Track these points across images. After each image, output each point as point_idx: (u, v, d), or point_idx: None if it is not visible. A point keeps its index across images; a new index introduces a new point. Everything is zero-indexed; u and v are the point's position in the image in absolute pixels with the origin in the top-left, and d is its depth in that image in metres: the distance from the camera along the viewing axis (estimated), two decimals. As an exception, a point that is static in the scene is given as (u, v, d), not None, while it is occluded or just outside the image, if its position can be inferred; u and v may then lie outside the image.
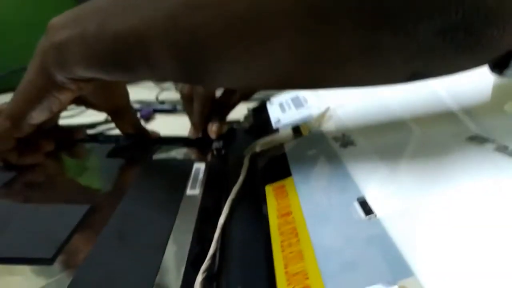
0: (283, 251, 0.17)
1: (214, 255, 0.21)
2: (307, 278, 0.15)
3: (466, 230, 0.14)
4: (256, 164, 0.28)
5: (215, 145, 0.38)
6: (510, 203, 0.15)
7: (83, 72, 0.24)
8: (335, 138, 0.26)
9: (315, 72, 0.19)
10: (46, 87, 0.26)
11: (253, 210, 0.23)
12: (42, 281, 0.21)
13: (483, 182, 0.16)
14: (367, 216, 0.17)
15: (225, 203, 0.27)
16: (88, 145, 0.39)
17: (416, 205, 0.17)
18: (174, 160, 0.36)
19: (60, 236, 0.24)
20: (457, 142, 0.20)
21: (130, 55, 0.21)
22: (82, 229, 0.25)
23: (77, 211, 0.27)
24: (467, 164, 0.18)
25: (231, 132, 0.39)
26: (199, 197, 0.29)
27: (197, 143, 0.38)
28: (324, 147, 0.25)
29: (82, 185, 0.32)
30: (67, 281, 0.20)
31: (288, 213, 0.20)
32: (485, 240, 0.14)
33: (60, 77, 0.25)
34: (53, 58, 0.24)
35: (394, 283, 0.13)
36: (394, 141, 0.23)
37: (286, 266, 0.16)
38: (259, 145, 0.29)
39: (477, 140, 0.19)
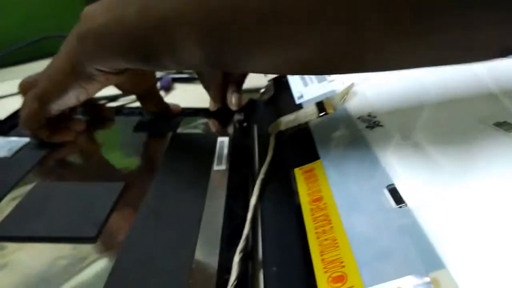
0: (318, 238, 0.18)
1: (248, 235, 0.22)
2: (343, 266, 0.16)
3: (500, 223, 0.15)
4: (281, 143, 0.28)
5: (237, 117, 0.38)
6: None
7: (117, 62, 0.24)
8: (361, 119, 0.26)
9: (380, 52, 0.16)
10: (75, 77, 0.26)
11: (283, 193, 0.24)
12: (85, 260, 0.23)
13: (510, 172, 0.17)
14: (398, 205, 0.18)
15: (252, 180, 0.28)
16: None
17: (447, 196, 0.17)
18: (198, 134, 0.37)
19: (101, 214, 0.26)
20: (484, 128, 0.20)
21: (167, 40, 0.20)
22: (119, 207, 0.27)
23: (114, 189, 0.28)
24: (496, 152, 0.18)
25: (252, 104, 0.40)
26: (226, 174, 0.30)
27: (219, 115, 0.39)
28: (350, 128, 0.26)
29: (113, 161, 0.33)
30: (110, 260, 0.22)
31: (319, 199, 0.21)
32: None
33: (90, 68, 0.25)
34: (86, 47, 0.24)
35: (425, 275, 0.14)
36: (421, 124, 0.23)
37: (322, 254, 0.17)
38: (284, 123, 0.30)
39: (504, 126, 0.20)
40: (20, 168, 0.31)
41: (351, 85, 0.30)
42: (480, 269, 0.14)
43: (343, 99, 0.29)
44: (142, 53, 0.22)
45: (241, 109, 0.38)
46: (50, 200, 0.28)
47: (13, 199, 0.28)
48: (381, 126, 0.25)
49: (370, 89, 0.29)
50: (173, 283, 0.20)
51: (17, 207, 0.27)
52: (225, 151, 0.33)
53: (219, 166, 0.31)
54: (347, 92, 0.30)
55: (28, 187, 0.29)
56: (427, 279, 0.14)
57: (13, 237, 0.24)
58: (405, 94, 0.27)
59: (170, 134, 0.36)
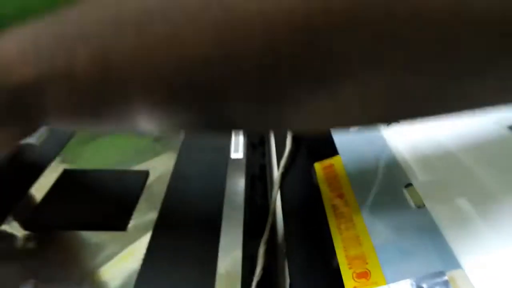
0: (341, 234, 0.20)
1: (271, 227, 0.24)
2: (367, 263, 0.18)
3: None
4: (298, 139, 0.30)
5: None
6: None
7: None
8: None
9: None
10: None
11: (304, 186, 0.25)
12: (117, 247, 0.24)
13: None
14: (416, 205, 0.19)
15: (270, 170, 0.30)
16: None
17: (464, 198, 0.19)
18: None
19: (130, 202, 0.27)
20: (498, 129, 0.21)
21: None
22: (144, 195, 0.28)
23: (139, 177, 0.30)
24: (508, 155, 0.20)
25: None
26: (244, 162, 0.31)
27: None
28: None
29: (136, 148, 0.34)
30: (141, 247, 0.24)
31: (341, 195, 0.22)
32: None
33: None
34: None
35: (444, 274, 0.16)
36: (437, 122, 0.24)
37: (345, 249, 0.19)
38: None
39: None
40: (48, 154, 0.33)
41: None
42: (494, 270, 0.15)
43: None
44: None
45: None
46: (78, 187, 0.29)
47: (42, 186, 0.29)
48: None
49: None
50: (202, 273, 0.21)
51: (47, 195, 0.28)
52: (241, 138, 0.34)
53: (236, 154, 0.32)
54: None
55: (56, 174, 0.30)
56: (445, 278, 0.16)
57: (44, 225, 0.26)
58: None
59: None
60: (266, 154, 0.32)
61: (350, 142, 0.26)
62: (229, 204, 0.27)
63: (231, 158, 0.32)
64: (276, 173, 0.27)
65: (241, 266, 0.22)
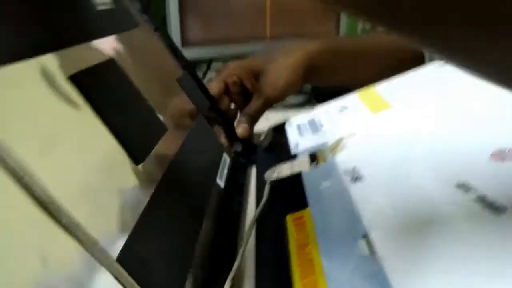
0: (301, 280, 0.22)
1: (237, 268, 0.25)
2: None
3: (453, 278, 0.19)
4: (276, 189, 0.32)
5: (236, 146, 0.42)
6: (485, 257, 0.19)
7: None
8: (346, 172, 0.30)
9: None
10: None
11: (274, 235, 0.27)
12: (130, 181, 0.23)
13: (464, 235, 0.21)
14: (370, 254, 0.22)
15: (244, 215, 0.32)
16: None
17: (411, 250, 0.21)
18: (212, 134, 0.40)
19: (149, 142, 0.27)
20: (446, 188, 0.24)
21: None
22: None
23: (161, 127, 0.29)
24: (452, 214, 0.22)
25: (253, 146, 0.44)
26: (222, 193, 0.33)
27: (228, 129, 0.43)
28: (336, 180, 0.29)
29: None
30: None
31: (306, 244, 0.24)
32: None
33: None
34: None
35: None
36: (398, 180, 0.27)
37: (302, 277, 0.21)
38: (279, 171, 0.33)
39: (463, 188, 0.23)
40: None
41: (341, 139, 0.34)
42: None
43: (332, 152, 0.33)
44: None
45: (243, 142, 0.42)
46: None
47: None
48: (362, 180, 0.28)
49: (357, 143, 0.33)
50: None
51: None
52: (225, 171, 0.37)
53: (220, 181, 0.34)
54: (336, 145, 0.33)
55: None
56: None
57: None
58: (388, 150, 0.31)
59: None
60: (242, 201, 0.35)
61: (319, 196, 0.29)
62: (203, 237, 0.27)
63: (216, 183, 0.34)
64: (250, 220, 0.29)
65: None
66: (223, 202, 0.33)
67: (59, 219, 0.16)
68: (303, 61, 0.48)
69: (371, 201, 0.26)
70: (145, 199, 0.23)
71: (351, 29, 1.20)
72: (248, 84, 0.48)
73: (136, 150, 0.25)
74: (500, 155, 0.25)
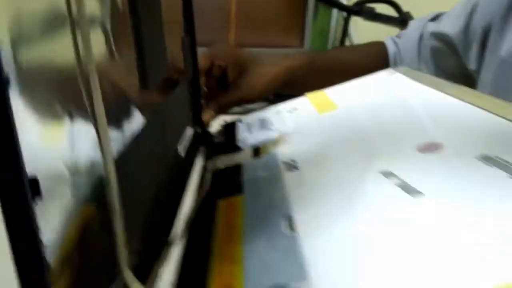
0: (220, 253, 0.22)
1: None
2: (232, 278, 0.19)
3: (368, 255, 0.19)
4: (217, 179, 0.32)
5: (196, 127, 0.42)
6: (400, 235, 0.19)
7: None
8: (284, 163, 0.30)
9: None
10: None
11: (203, 220, 0.27)
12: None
13: (383, 215, 0.21)
14: (290, 232, 0.22)
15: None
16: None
17: (330, 230, 0.21)
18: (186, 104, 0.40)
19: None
20: (372, 175, 0.24)
21: None
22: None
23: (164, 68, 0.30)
24: (373, 197, 0.23)
25: (208, 135, 0.44)
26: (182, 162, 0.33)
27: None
28: (274, 169, 0.30)
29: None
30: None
31: (232, 226, 0.24)
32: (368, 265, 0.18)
33: None
34: None
35: (290, 285, 0.18)
36: (328, 171, 0.27)
37: (220, 265, 0.21)
38: (222, 162, 0.34)
39: (387, 175, 0.24)
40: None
41: (284, 134, 0.35)
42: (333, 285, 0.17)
43: (275, 145, 0.34)
44: None
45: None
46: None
47: None
48: (297, 169, 0.29)
49: (299, 139, 0.34)
50: None
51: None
52: (185, 143, 0.36)
53: (180, 149, 0.34)
54: (279, 139, 0.34)
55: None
56: (292, 286, 0.18)
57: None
58: (325, 145, 0.32)
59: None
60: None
61: (255, 183, 0.29)
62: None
63: (178, 151, 0.33)
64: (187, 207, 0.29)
65: None
66: (180, 170, 0.33)
67: None
68: (284, 75, 0.51)
69: (301, 187, 0.26)
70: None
71: (316, 42, 1.24)
72: (230, 75, 0.49)
73: (149, 75, 0.26)
74: (425, 147, 0.26)
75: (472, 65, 0.52)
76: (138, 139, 0.24)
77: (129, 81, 0.25)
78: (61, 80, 0.16)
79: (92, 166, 0.17)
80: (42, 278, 0.12)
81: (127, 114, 0.23)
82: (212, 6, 0.63)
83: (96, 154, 0.17)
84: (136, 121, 0.25)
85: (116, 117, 0.21)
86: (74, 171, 0.16)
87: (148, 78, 0.25)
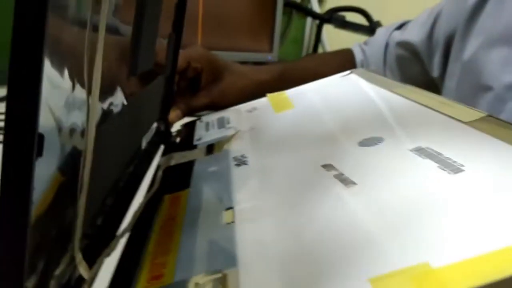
0: (156, 246, 0.22)
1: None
2: (165, 268, 0.19)
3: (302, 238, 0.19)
4: (168, 176, 0.32)
5: (161, 124, 0.42)
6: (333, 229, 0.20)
7: None
8: (235, 158, 0.30)
9: None
10: None
11: (147, 214, 0.27)
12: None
13: (317, 204, 0.21)
14: (229, 223, 0.22)
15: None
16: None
17: (269, 219, 0.21)
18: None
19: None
20: (313, 168, 0.25)
21: None
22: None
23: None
24: (311, 187, 0.23)
25: (169, 134, 0.44)
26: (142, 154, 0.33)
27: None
28: (223, 165, 0.30)
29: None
30: None
31: (173, 219, 0.24)
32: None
33: None
34: None
35: (220, 272, 0.18)
36: (274, 166, 0.28)
37: (154, 257, 0.21)
38: (175, 159, 0.33)
39: (326, 167, 0.24)
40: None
41: (238, 132, 0.35)
42: (263, 274, 0.18)
43: (229, 143, 0.34)
44: None
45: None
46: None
47: None
48: (246, 164, 0.29)
49: (252, 136, 0.34)
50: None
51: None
52: (150, 135, 0.37)
53: (144, 141, 0.35)
54: (232, 137, 0.34)
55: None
56: (219, 275, 0.18)
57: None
58: (276, 141, 0.32)
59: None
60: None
61: (203, 178, 0.29)
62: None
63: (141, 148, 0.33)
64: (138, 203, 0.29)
65: None
66: (139, 164, 0.32)
67: None
68: (254, 88, 0.53)
69: (246, 181, 0.26)
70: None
71: (290, 48, 1.25)
72: (204, 79, 0.49)
73: (138, 63, 0.27)
74: (366, 142, 0.26)
75: (435, 72, 0.54)
76: (111, 123, 0.24)
77: (119, 64, 0.26)
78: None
79: (69, 134, 0.17)
80: (24, 235, 0.12)
81: (110, 94, 0.24)
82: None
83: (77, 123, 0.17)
84: (115, 104, 0.25)
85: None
86: (54, 135, 0.16)
87: (137, 65, 0.26)
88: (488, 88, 0.42)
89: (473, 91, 0.44)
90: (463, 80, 0.47)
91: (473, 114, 0.26)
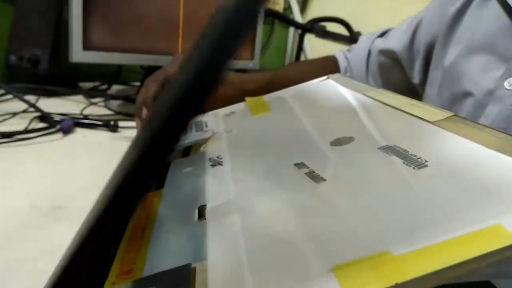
0: (127, 245, 0.22)
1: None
2: (134, 263, 0.19)
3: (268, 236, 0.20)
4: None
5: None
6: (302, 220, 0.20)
7: None
8: (211, 159, 0.31)
9: None
10: None
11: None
12: None
13: (287, 200, 0.22)
14: (199, 219, 0.22)
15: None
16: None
17: (233, 215, 0.22)
18: None
19: None
20: (285, 167, 0.25)
21: None
22: None
23: None
24: (283, 184, 0.23)
25: None
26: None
27: None
28: (199, 165, 0.30)
29: None
30: None
31: (144, 218, 0.24)
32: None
33: None
34: None
35: (189, 266, 0.18)
36: (248, 166, 0.28)
37: (125, 253, 0.20)
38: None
39: (298, 165, 0.25)
40: None
41: (215, 134, 0.35)
42: (230, 266, 0.18)
43: (205, 144, 0.34)
44: None
45: None
46: None
47: None
48: (221, 165, 0.29)
49: (228, 138, 0.34)
50: None
51: None
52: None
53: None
54: (208, 138, 0.34)
55: None
56: (189, 269, 0.18)
57: None
58: (251, 143, 0.32)
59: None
60: None
61: (178, 178, 0.29)
62: None
63: None
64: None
65: None
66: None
67: None
68: (238, 96, 0.52)
69: (221, 180, 0.27)
70: None
71: (274, 57, 1.27)
72: None
73: None
74: (337, 142, 0.27)
75: (416, 79, 0.55)
76: None
77: None
78: None
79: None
80: None
81: None
82: (161, 14, 0.63)
83: None
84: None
85: None
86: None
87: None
88: (468, 94, 0.43)
89: (454, 97, 0.45)
90: (444, 86, 0.48)
91: (440, 114, 0.26)
